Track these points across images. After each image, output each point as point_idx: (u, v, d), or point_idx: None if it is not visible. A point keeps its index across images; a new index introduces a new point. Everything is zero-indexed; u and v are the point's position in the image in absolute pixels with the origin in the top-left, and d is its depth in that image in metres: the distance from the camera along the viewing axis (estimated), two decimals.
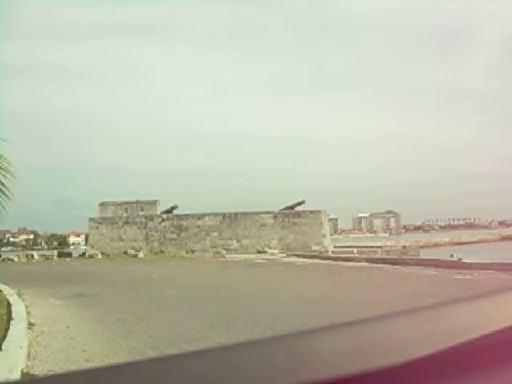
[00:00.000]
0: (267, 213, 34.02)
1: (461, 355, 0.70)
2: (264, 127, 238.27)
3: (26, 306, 9.43)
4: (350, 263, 19.37)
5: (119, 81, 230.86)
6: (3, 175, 11.08)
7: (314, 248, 31.52)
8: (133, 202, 35.53)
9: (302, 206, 34.56)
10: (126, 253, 31.82)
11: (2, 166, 11.05)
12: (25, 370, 5.23)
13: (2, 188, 11.04)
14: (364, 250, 27.34)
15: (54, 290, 12.39)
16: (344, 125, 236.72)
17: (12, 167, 11.16)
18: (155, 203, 35.69)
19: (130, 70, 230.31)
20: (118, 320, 8.26)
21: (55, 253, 34.86)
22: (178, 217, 34.58)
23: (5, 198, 11.02)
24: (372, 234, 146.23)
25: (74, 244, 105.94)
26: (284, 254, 28.16)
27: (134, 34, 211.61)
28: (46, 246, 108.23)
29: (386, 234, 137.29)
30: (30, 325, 7.76)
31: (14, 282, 13.35)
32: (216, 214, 34.28)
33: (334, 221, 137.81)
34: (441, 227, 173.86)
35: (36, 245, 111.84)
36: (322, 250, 31.06)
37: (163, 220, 34.27)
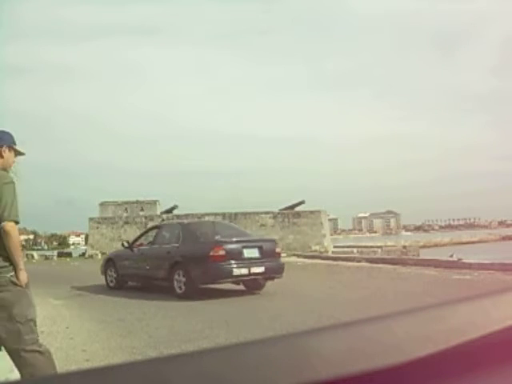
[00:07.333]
0: (267, 213, 34.00)
1: (461, 355, 0.70)
2: (264, 127, 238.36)
3: None
4: (349, 263, 19.37)
5: (119, 81, 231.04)
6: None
7: (314, 248, 31.50)
8: (133, 202, 35.53)
9: (302, 205, 34.57)
10: None
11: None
12: None
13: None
14: (364, 250, 27.34)
15: (53, 290, 12.37)
16: (344, 125, 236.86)
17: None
18: (155, 203, 35.70)
19: (130, 69, 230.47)
20: (118, 320, 8.26)
21: (55, 253, 34.88)
22: (178, 217, 34.54)
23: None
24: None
25: (73, 244, 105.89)
26: (284, 254, 28.12)
27: (135, 34, 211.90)
28: (45, 246, 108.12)
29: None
30: None
31: None
32: (216, 214, 34.25)
33: (334, 221, 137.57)
34: (441, 227, 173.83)
35: (36, 245, 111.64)
36: (322, 250, 31.05)
37: (163, 220, 34.23)
